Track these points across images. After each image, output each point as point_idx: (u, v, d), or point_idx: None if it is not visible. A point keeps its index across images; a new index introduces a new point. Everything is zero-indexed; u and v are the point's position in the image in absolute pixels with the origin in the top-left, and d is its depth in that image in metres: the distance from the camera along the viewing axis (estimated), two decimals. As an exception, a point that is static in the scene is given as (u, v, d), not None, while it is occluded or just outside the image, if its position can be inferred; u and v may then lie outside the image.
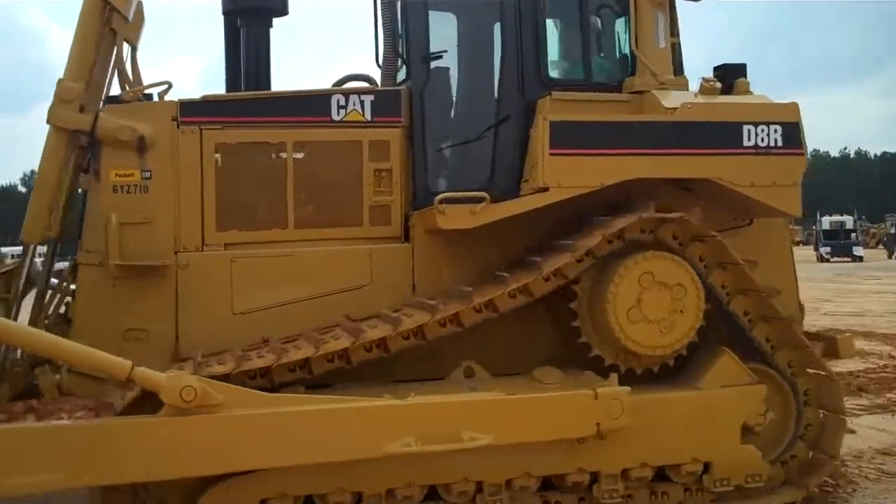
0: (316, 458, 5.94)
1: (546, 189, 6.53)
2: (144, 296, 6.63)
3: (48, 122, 6.56)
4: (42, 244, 6.71)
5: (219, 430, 5.73)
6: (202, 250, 6.79)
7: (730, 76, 7.29)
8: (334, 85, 7.46)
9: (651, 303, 6.60)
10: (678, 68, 7.44)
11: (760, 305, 6.89)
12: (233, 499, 6.08)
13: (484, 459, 6.32)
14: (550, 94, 6.91)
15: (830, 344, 7.20)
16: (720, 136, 6.75)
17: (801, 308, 7.71)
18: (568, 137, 6.55)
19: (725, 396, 6.77)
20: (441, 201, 6.54)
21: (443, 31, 7.37)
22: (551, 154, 6.51)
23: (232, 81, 7.65)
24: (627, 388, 6.39)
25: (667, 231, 6.71)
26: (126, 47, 7.28)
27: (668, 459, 6.76)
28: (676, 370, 6.94)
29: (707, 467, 6.79)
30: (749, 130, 6.77)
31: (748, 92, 7.22)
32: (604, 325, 6.60)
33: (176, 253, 6.73)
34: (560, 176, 6.53)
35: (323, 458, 5.95)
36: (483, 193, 6.61)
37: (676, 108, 6.72)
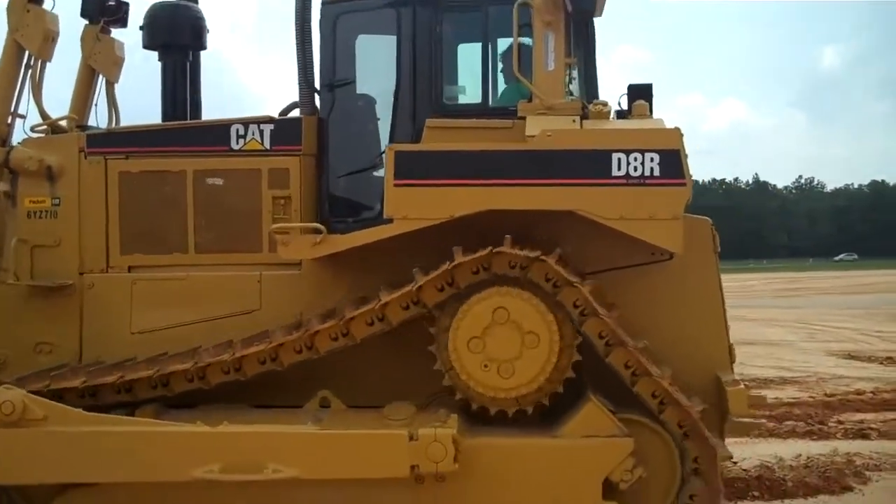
0: (128, 477, 6.37)
1: (391, 221, 6.49)
2: (53, 313, 7.31)
3: None
4: None
5: (37, 444, 6.30)
6: (107, 272, 7.38)
7: (633, 98, 6.84)
8: (280, 113, 7.79)
9: (498, 340, 6.38)
10: (591, 91, 7.08)
11: (636, 361, 6.41)
12: (79, 507, 6.63)
13: (313, 492, 6.41)
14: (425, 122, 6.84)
15: (724, 396, 6.51)
16: (584, 165, 6.33)
17: (731, 351, 7.00)
18: (414, 167, 6.47)
19: (584, 447, 6.36)
20: (276, 231, 6.72)
21: (357, 58, 7.49)
22: (395, 185, 6.45)
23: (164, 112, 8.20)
24: (452, 431, 6.21)
25: (538, 271, 6.43)
26: (101, 80, 8.19)
27: None
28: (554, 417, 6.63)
29: (565, 521, 6.41)
30: (619, 159, 6.30)
31: (644, 115, 6.72)
32: (446, 353, 6.47)
33: (81, 274, 7.36)
34: (406, 207, 6.45)
35: (134, 477, 6.36)
36: (319, 225, 6.70)
37: (535, 136, 6.41)
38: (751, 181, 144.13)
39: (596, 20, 7.46)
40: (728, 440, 6.80)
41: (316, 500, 6.49)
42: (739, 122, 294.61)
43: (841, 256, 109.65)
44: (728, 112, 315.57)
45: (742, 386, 6.50)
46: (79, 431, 6.32)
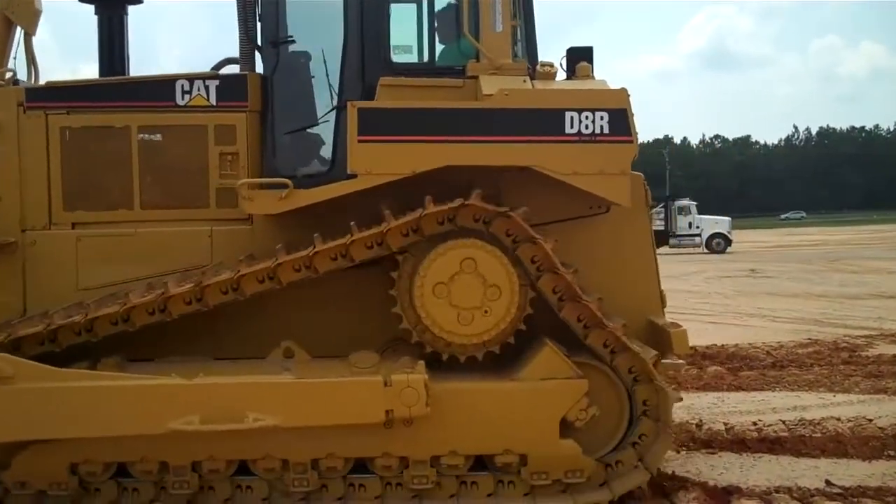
0: (102, 432, 6.51)
1: (355, 176, 6.79)
2: None
3: None
4: None
5: (7, 402, 6.34)
6: (49, 229, 7.38)
7: (573, 60, 7.33)
8: (212, 69, 7.88)
9: (462, 288, 6.80)
10: (532, 53, 7.52)
11: (590, 314, 6.96)
12: (43, 462, 6.73)
13: (285, 438, 6.70)
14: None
15: (664, 338, 7.16)
16: (539, 123, 6.79)
17: (662, 297, 7.68)
18: (377, 124, 6.76)
19: (542, 389, 6.88)
20: (244, 186, 6.92)
21: (299, 16, 7.66)
22: (359, 141, 6.74)
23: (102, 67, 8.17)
24: (424, 377, 6.63)
25: (499, 226, 6.86)
26: (19, 32, 8.03)
27: (479, 449, 6.97)
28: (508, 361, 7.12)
29: (525, 460, 6.96)
30: (572, 117, 6.78)
31: (588, 77, 7.23)
32: (410, 298, 6.86)
33: (23, 231, 7.33)
34: (369, 163, 6.75)
35: (109, 431, 6.50)
36: (286, 180, 6.94)
37: (492, 95, 6.82)
38: (892, 128, 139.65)
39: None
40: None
41: (286, 449, 6.80)
42: (879, 66, 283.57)
43: None
44: (867, 55, 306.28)
45: (682, 328, 7.14)
46: (52, 387, 6.40)
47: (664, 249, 52.38)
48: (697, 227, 53.68)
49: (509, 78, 7.03)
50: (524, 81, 7.03)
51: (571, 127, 6.79)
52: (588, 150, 6.80)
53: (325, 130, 7.50)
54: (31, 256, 7.33)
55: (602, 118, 6.80)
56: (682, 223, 53.55)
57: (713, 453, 8.72)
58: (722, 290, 26.86)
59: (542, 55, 7.52)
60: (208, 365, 6.89)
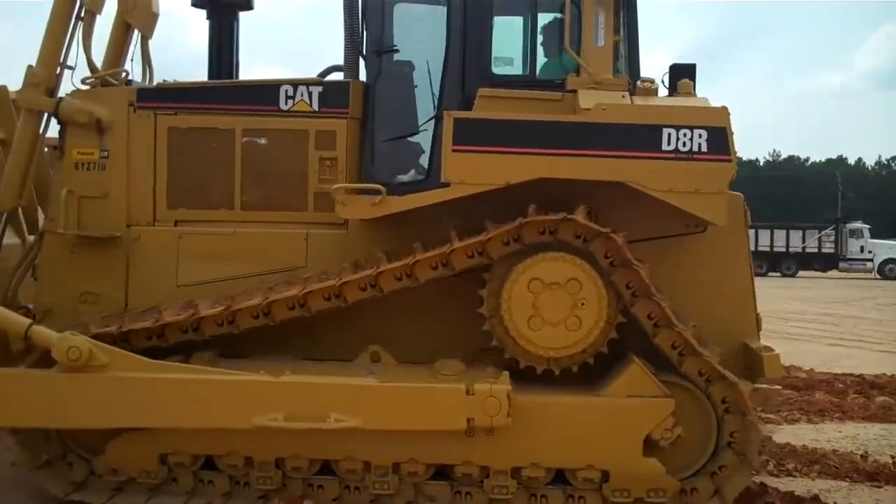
0: (190, 423, 6.72)
1: (447, 185, 6.87)
2: (99, 263, 7.54)
3: (19, 103, 7.65)
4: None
5: (102, 389, 6.60)
6: (153, 225, 7.63)
7: (676, 77, 7.29)
8: (318, 75, 8.08)
9: (550, 302, 6.82)
10: (634, 69, 7.51)
11: (685, 342, 6.90)
12: (134, 451, 6.99)
13: (369, 441, 6.81)
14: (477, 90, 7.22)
15: (757, 362, 7.04)
16: (636, 138, 6.77)
17: (758, 320, 7.56)
18: (472, 135, 6.84)
19: (627, 406, 6.85)
20: (340, 190, 7.07)
21: (404, 26, 7.81)
22: (454, 150, 6.83)
23: (211, 70, 8.44)
24: (507, 387, 6.66)
25: (598, 247, 6.86)
26: (136, 35, 8.37)
27: (561, 463, 6.97)
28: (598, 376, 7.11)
29: (606, 476, 6.93)
30: (669, 134, 6.76)
31: (689, 94, 7.18)
32: (497, 308, 6.91)
33: (128, 226, 7.60)
34: (462, 173, 6.83)
35: (196, 423, 6.71)
36: (380, 186, 7.06)
37: (590, 109, 6.84)
38: None
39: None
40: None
41: (370, 451, 6.91)
42: None
43: None
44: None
45: (776, 352, 7.02)
46: (144, 378, 6.63)
47: (833, 273, 51.37)
48: (869, 252, 52.53)
49: (608, 93, 7.05)
50: (623, 97, 7.03)
51: (669, 144, 6.77)
52: (685, 167, 6.76)
53: (425, 140, 7.59)
54: (134, 251, 7.60)
55: (700, 136, 6.76)
56: (853, 247, 52.50)
57: (878, 486, 8.47)
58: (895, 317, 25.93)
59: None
60: (296, 364, 7.04)
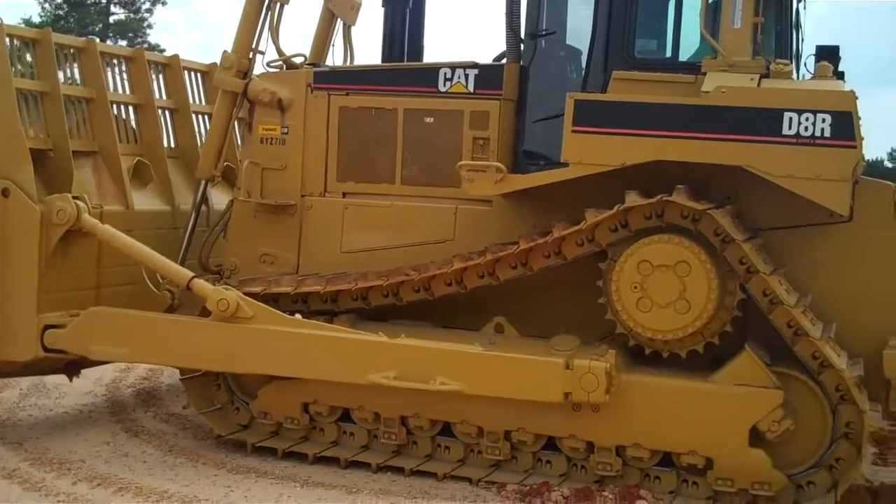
0: (314, 375, 7.54)
1: (566, 165, 7.14)
2: (276, 229, 8.49)
3: (214, 84, 8.76)
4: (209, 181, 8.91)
5: (245, 339, 7.52)
6: (324, 196, 8.47)
7: (820, 59, 7.09)
8: (494, 60, 8.57)
9: (659, 284, 6.94)
10: (782, 50, 7.36)
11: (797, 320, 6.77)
12: (281, 398, 7.90)
13: (483, 407, 7.30)
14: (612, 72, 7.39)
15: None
16: (755, 122, 6.70)
17: None
18: (591, 116, 7.07)
19: (735, 394, 6.83)
20: (464, 167, 7.51)
21: (556, 10, 8.12)
22: (573, 131, 7.09)
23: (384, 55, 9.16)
24: (606, 365, 6.86)
25: (707, 224, 6.90)
26: (339, 24, 9.31)
27: (663, 445, 7.07)
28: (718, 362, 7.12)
29: (711, 463, 6.94)
30: (791, 118, 6.63)
31: (826, 77, 6.96)
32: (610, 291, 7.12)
33: (303, 196, 8.48)
34: (581, 153, 7.08)
35: (319, 375, 7.50)
36: (500, 164, 7.43)
37: (709, 92, 6.83)
38: None
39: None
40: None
41: (482, 417, 7.38)
42: None
43: None
44: None
45: None
46: (277, 331, 7.47)
47: None
48: None
49: (737, 75, 7.00)
50: (751, 80, 6.95)
51: (790, 128, 6.66)
52: (806, 153, 6.64)
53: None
54: (307, 219, 8.46)
55: (824, 121, 6.60)
56: None
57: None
58: None
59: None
60: (420, 330, 7.61)
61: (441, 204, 8.14)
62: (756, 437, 6.85)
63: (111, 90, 8.80)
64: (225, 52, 8.62)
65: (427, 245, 8.09)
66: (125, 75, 9.13)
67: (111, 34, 43.10)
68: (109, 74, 8.88)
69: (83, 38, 8.97)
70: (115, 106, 8.79)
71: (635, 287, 6.98)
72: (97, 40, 9.35)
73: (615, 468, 7.15)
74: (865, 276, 7.22)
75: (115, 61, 9.09)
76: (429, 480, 7.45)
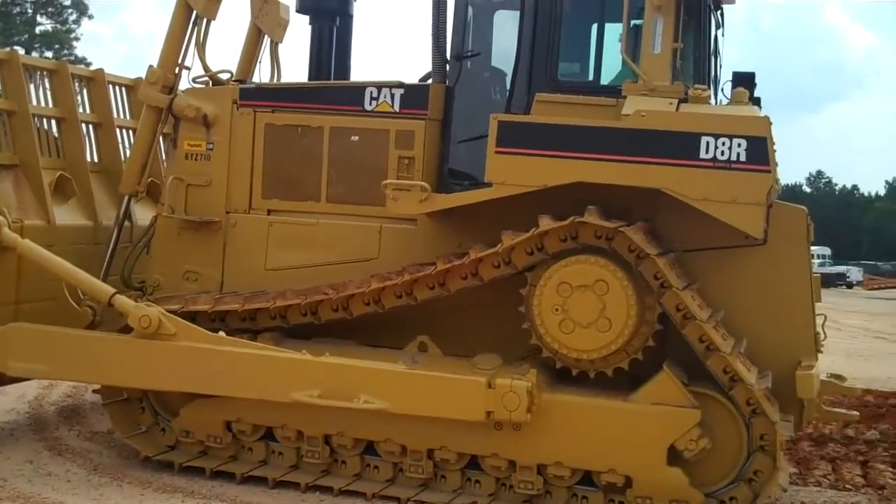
0: (237, 393, 7.51)
1: (490, 185, 7.23)
2: (200, 245, 8.47)
3: (139, 99, 8.73)
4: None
5: (164, 355, 7.51)
6: (249, 213, 8.46)
7: (736, 85, 7.28)
8: (420, 80, 8.64)
9: (578, 304, 7.06)
10: (701, 76, 7.53)
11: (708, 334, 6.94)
12: (204, 416, 7.85)
13: (406, 426, 7.34)
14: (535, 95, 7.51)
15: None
16: (674, 146, 6.87)
17: (817, 339, 7.40)
18: (514, 137, 7.18)
19: (652, 413, 6.97)
20: (389, 186, 7.57)
21: (481, 32, 8.23)
22: (497, 152, 7.19)
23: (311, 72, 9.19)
24: (527, 384, 6.94)
25: (621, 242, 7.02)
26: (266, 41, 9.33)
27: (582, 464, 7.18)
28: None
29: (630, 482, 7.06)
30: (708, 142, 6.81)
31: (742, 103, 7.15)
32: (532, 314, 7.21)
33: (227, 213, 8.47)
34: (504, 174, 7.19)
35: (242, 393, 7.48)
36: (424, 184, 7.50)
37: (629, 115, 6.98)
38: None
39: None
40: None
41: (404, 435, 7.41)
42: None
43: None
44: None
45: (813, 371, 6.89)
46: (200, 348, 7.46)
47: None
48: None
49: (655, 100, 7.16)
50: (670, 104, 7.12)
51: (707, 152, 6.84)
52: (722, 176, 6.82)
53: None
54: (231, 236, 8.46)
55: (740, 145, 6.79)
56: None
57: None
58: None
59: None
60: (343, 348, 7.64)
61: (366, 222, 8.18)
62: (674, 456, 6.99)
63: (33, 103, 8.71)
64: (150, 66, 8.59)
65: (352, 263, 8.13)
66: (48, 88, 9.03)
67: (37, 45, 42.53)
68: (32, 87, 8.79)
69: (6, 49, 8.85)
70: (37, 119, 8.71)
71: (556, 309, 7.10)
72: (21, 51, 9.27)
73: (536, 486, 7.24)
74: (776, 296, 7.42)
75: (38, 74, 8.98)
76: (358, 500, 7.47)
